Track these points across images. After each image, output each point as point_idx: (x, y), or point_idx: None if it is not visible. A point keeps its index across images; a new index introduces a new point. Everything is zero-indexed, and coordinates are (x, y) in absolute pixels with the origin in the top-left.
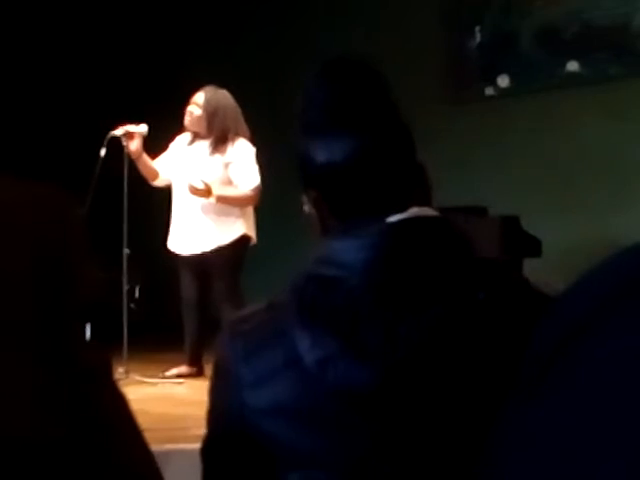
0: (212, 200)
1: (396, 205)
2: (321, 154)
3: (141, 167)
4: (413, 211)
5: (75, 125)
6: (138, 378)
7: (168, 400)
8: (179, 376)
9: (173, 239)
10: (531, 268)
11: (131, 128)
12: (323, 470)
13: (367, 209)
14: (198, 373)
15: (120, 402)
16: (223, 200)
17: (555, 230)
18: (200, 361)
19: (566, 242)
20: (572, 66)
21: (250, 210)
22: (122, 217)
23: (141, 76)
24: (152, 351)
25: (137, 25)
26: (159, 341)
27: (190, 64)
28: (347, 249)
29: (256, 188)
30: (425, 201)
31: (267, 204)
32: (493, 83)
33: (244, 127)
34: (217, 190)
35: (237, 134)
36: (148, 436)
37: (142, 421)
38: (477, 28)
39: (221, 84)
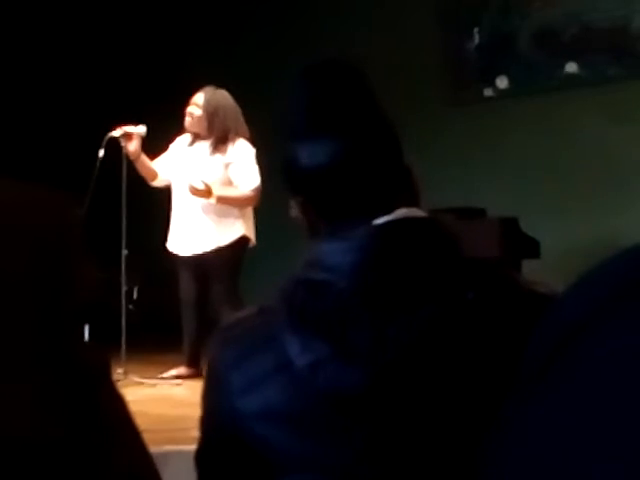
0: (212, 201)
1: (383, 207)
2: (305, 158)
3: (140, 168)
4: (400, 212)
5: (74, 126)
6: (137, 379)
7: (167, 401)
8: (178, 377)
9: (172, 239)
10: (530, 269)
11: (129, 129)
12: (315, 473)
13: (353, 211)
14: (197, 374)
15: (118, 403)
16: (223, 200)
17: (554, 231)
18: (199, 362)
19: (565, 243)
20: (571, 68)
21: (249, 211)
22: (120, 218)
23: (140, 77)
24: (151, 352)
25: (137, 26)
26: (158, 342)
27: (190, 64)
28: (334, 252)
29: (256, 188)
30: (413, 202)
31: (266, 205)
32: (492, 84)
33: (244, 127)
34: (217, 190)
35: (237, 134)
36: (147, 437)
37: (141, 422)
38: (475, 29)
39: (221, 84)
